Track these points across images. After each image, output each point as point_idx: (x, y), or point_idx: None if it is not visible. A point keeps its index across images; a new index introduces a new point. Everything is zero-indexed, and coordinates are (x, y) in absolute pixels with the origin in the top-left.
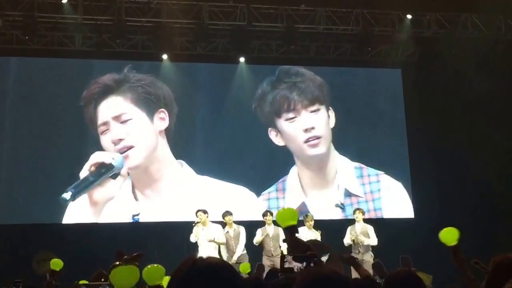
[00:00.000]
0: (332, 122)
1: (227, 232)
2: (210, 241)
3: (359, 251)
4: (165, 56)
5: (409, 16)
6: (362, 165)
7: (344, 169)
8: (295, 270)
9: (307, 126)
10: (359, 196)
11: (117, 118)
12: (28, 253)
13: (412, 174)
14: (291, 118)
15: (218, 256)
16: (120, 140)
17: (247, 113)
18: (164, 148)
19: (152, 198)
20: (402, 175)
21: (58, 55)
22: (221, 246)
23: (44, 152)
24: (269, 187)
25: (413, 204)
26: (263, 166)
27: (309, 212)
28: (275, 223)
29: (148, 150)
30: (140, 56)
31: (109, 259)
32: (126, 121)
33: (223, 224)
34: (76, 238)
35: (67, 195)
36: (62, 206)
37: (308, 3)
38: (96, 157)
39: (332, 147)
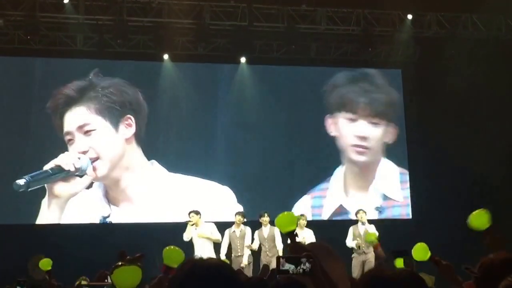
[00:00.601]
0: (389, 138)
1: (233, 231)
2: (200, 236)
3: (364, 252)
4: (166, 56)
5: (409, 16)
6: (405, 170)
7: (387, 174)
8: (290, 272)
9: (360, 134)
10: (395, 200)
11: (80, 128)
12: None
13: (410, 174)
14: (350, 119)
15: (213, 253)
16: (84, 152)
17: (248, 114)
18: (132, 154)
19: (123, 201)
20: (400, 176)
21: (59, 55)
22: (222, 245)
23: (42, 154)
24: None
25: (411, 205)
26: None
27: (349, 212)
28: (271, 223)
29: (113, 160)
30: (141, 56)
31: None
32: (89, 131)
33: (230, 224)
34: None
35: (21, 181)
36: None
37: (309, 3)
38: (63, 156)
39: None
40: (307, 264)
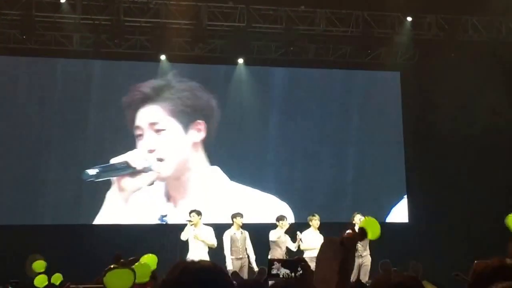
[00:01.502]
0: None
1: (234, 233)
2: (196, 237)
3: (361, 255)
4: (163, 57)
5: (409, 18)
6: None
7: None
8: (281, 276)
9: None
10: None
11: (152, 125)
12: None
13: (407, 178)
14: None
15: (206, 256)
16: (152, 150)
17: (244, 115)
18: (197, 158)
19: (182, 202)
20: (398, 178)
21: (55, 55)
22: (226, 247)
23: (40, 152)
24: None
25: (408, 209)
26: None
27: None
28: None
29: (178, 162)
30: (138, 57)
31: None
32: (160, 130)
33: (228, 226)
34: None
35: (92, 171)
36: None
37: (307, 5)
38: (133, 153)
39: None
40: (299, 270)
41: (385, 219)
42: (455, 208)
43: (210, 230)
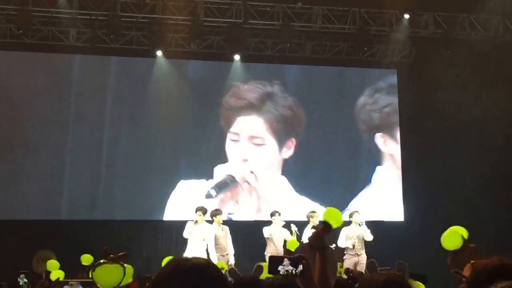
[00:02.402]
0: None
1: (217, 231)
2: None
3: (356, 254)
4: (159, 53)
5: (406, 16)
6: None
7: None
8: (281, 273)
9: None
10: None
11: (251, 138)
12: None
13: (403, 176)
14: None
15: (204, 253)
16: (245, 160)
17: None
18: (277, 172)
19: (248, 203)
20: (393, 176)
21: (52, 50)
22: (209, 245)
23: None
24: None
25: (404, 207)
26: None
27: None
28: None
29: (264, 176)
30: (134, 53)
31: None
32: (259, 145)
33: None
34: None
35: (213, 193)
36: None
37: (304, 1)
38: (236, 169)
39: None
40: (300, 266)
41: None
42: (450, 207)
43: (212, 227)
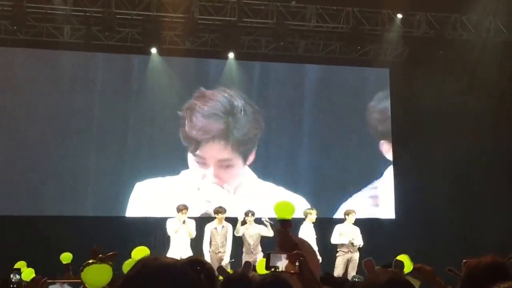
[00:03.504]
0: None
1: (215, 228)
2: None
3: (349, 251)
4: (154, 50)
5: (399, 16)
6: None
7: None
8: (280, 269)
9: None
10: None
11: (220, 162)
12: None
13: (395, 174)
14: None
15: (189, 249)
16: (221, 180)
17: None
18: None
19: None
20: (385, 174)
21: (46, 46)
22: (204, 241)
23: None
24: None
25: (394, 205)
26: None
27: None
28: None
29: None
30: (128, 50)
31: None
32: (226, 166)
33: (212, 219)
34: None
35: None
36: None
37: (298, 0)
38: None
39: None
40: (296, 263)
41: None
42: (441, 205)
43: (193, 222)
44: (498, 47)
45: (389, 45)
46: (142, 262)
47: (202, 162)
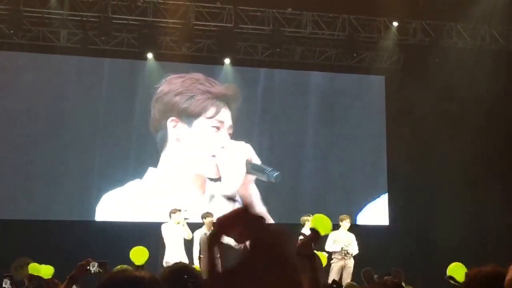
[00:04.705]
0: None
1: (205, 233)
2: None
3: (343, 258)
4: (150, 55)
5: (395, 24)
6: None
7: None
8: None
9: None
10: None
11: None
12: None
13: (389, 182)
14: None
15: (184, 253)
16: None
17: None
18: None
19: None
20: (379, 182)
21: (42, 50)
22: (194, 248)
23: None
24: None
25: (388, 211)
26: None
27: None
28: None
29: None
30: (125, 55)
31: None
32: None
33: (201, 225)
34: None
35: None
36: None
37: (295, 7)
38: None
39: None
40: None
41: (357, 216)
42: (436, 211)
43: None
44: (493, 55)
45: (385, 53)
46: (108, 275)
47: (217, 127)
